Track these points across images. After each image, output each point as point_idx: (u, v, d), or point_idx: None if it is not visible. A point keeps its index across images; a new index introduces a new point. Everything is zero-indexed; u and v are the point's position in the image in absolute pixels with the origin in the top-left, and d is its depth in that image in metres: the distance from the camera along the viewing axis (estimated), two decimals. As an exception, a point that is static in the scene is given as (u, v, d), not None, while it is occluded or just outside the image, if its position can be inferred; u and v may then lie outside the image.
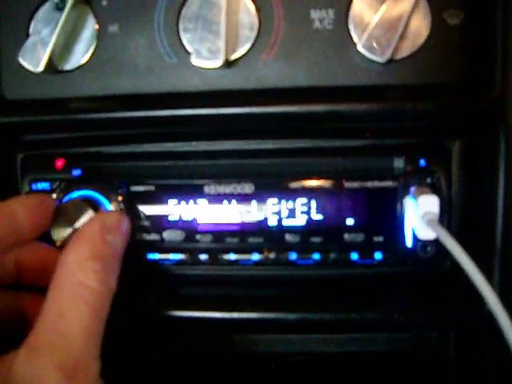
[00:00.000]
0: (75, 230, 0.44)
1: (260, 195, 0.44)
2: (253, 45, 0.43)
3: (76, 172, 0.46)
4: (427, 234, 0.41)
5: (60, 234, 0.45)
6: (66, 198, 0.45)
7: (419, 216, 0.41)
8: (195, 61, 0.41)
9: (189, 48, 0.43)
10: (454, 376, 0.48)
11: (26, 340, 0.33)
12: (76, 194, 0.45)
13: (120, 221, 0.40)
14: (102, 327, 0.35)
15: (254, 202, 0.44)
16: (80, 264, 0.35)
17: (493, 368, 0.45)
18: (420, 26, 0.42)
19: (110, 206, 0.45)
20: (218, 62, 0.41)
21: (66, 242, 0.45)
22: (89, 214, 0.44)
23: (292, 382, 0.53)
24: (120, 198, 0.45)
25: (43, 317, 0.34)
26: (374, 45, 0.41)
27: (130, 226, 0.42)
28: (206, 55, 0.41)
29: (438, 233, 0.40)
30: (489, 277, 0.44)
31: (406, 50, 0.42)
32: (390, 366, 0.51)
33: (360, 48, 0.41)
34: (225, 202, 0.44)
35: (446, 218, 0.44)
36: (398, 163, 0.44)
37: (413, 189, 0.43)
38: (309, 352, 0.51)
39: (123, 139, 0.45)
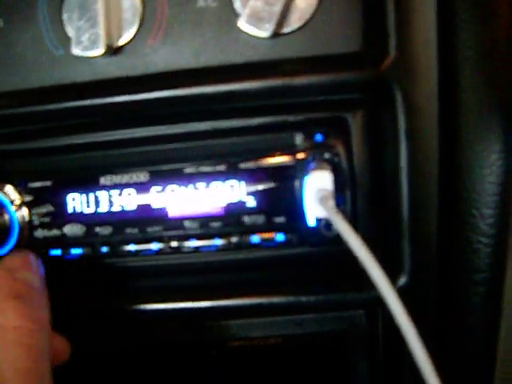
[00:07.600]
0: None
1: (156, 183, 0.43)
2: (138, 30, 0.42)
3: (-25, 173, 0.46)
4: (321, 212, 0.40)
5: None
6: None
7: (313, 193, 0.40)
8: (76, 51, 0.41)
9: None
10: (385, 352, 0.46)
11: None
12: (-24, 196, 0.45)
13: (25, 258, 0.39)
14: (43, 362, 0.32)
15: (150, 191, 0.43)
16: None
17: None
18: (307, -4, 0.40)
19: (12, 207, 0.45)
20: (98, 51, 0.40)
21: None
22: None
23: (225, 368, 0.52)
24: (19, 197, 0.45)
25: None
26: (257, 19, 0.39)
27: (38, 259, 0.40)
28: (86, 44, 0.40)
29: (327, 210, 0.38)
30: (398, 258, 0.42)
31: (294, 22, 0.41)
32: (324, 347, 0.50)
33: (243, 23, 0.40)
34: (122, 192, 0.44)
35: (348, 195, 0.42)
36: (296, 139, 0.42)
37: (312, 165, 0.42)
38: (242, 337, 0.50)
39: (16, 136, 0.45)
